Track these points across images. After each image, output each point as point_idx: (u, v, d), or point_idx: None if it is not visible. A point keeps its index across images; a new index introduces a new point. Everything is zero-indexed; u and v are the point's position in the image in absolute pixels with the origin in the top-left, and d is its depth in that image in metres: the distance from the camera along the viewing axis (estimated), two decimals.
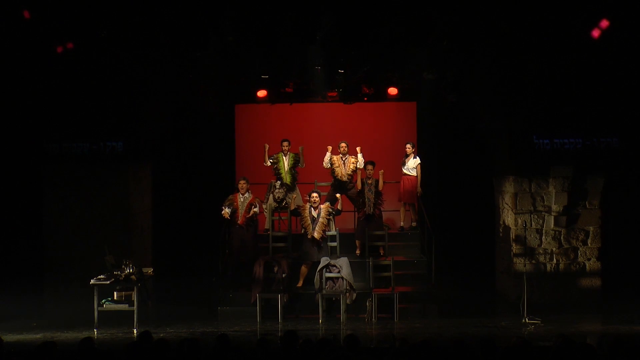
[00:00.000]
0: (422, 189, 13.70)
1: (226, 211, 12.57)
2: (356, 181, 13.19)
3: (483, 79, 13.26)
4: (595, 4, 12.14)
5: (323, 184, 14.01)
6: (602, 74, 12.83)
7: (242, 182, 12.80)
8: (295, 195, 13.37)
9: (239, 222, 12.63)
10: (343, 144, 13.49)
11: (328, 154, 13.48)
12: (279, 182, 13.52)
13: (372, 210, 12.95)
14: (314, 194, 12.52)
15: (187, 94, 13.76)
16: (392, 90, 14.16)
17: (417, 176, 13.63)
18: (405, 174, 13.70)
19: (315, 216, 12.42)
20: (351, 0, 12.05)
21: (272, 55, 12.88)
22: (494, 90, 13.37)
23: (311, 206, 12.48)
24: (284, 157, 13.52)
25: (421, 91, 13.93)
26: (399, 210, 14.01)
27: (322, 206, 12.54)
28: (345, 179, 13.40)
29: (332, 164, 13.48)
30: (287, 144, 13.57)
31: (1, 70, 12.75)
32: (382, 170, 13.06)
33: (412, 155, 13.72)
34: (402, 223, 13.83)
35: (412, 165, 13.65)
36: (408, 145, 13.77)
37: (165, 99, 13.81)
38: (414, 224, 13.83)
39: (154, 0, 12.12)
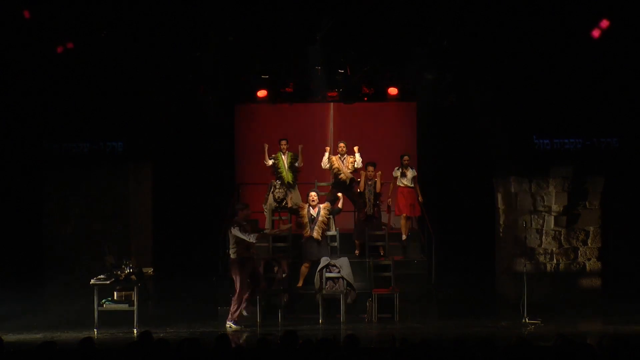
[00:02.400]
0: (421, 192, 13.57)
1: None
2: (359, 180, 13.14)
3: (483, 79, 13.25)
4: (595, 4, 12.15)
5: (323, 184, 14.00)
6: (602, 74, 12.83)
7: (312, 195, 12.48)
8: (293, 193, 13.37)
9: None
10: (342, 144, 13.43)
11: (326, 155, 13.43)
12: (278, 181, 13.51)
13: (372, 211, 12.93)
14: (312, 193, 12.50)
15: (187, 94, 13.75)
16: (392, 90, 14.15)
17: (414, 187, 13.28)
18: (406, 186, 13.23)
19: (314, 215, 12.41)
20: (351, 0, 12.05)
21: (272, 55, 12.88)
22: (494, 90, 13.37)
23: (310, 205, 12.48)
24: (282, 156, 13.52)
25: (421, 91, 13.93)
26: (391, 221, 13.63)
27: (321, 205, 12.53)
28: (347, 180, 13.30)
29: (331, 165, 13.42)
30: (285, 143, 13.54)
31: (1, 70, 12.75)
32: (380, 172, 13.00)
33: (409, 167, 13.32)
34: (404, 236, 13.30)
35: (410, 176, 13.25)
36: (406, 157, 13.29)
37: (165, 99, 13.81)
38: (404, 237, 13.31)
39: (154, 0, 12.12)
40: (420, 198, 13.29)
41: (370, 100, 14.59)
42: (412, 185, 13.28)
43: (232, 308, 11.52)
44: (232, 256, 11.51)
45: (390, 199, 13.42)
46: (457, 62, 12.81)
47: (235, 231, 11.36)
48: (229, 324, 11.44)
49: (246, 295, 11.54)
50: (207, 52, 12.54)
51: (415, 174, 13.33)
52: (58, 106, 13.16)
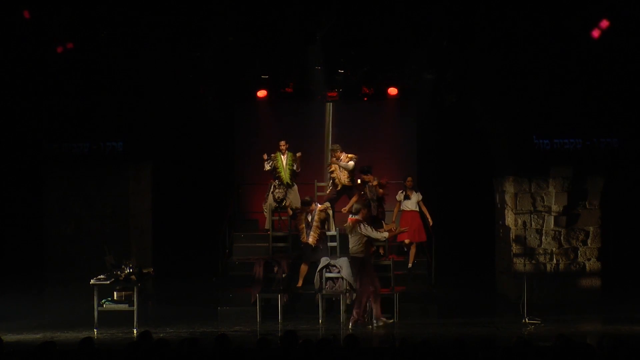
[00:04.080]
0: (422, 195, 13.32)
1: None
2: (358, 181, 13.11)
3: (483, 79, 13.25)
4: (595, 4, 12.15)
5: (323, 184, 14.01)
6: (602, 74, 12.83)
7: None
8: (292, 194, 13.37)
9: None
10: (334, 147, 13.41)
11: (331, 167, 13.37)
12: (277, 181, 13.51)
13: (376, 212, 12.89)
14: (312, 205, 12.47)
15: (187, 94, 13.76)
16: (392, 90, 14.16)
17: (418, 211, 13.00)
18: (410, 210, 12.93)
19: (310, 220, 12.43)
20: (351, 0, 12.05)
21: (272, 55, 12.88)
22: (493, 90, 13.37)
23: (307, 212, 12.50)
24: (282, 157, 13.51)
25: (421, 91, 13.92)
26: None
27: (317, 209, 12.51)
28: (345, 182, 13.24)
29: (332, 177, 13.35)
30: (284, 144, 13.54)
31: (1, 70, 12.75)
32: (375, 178, 12.89)
33: (413, 189, 13.04)
34: (410, 264, 12.87)
35: (415, 200, 12.95)
36: (409, 179, 13.04)
37: (164, 99, 13.81)
38: (412, 263, 12.94)
39: (153, 0, 12.12)
40: (430, 221, 12.96)
41: (370, 100, 14.59)
42: (417, 209, 12.99)
43: (364, 307, 11.49)
44: (359, 255, 11.43)
45: (394, 224, 13.29)
46: (457, 62, 12.80)
47: (368, 230, 11.38)
48: (381, 321, 11.43)
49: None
50: (207, 52, 12.54)
51: (421, 197, 13.01)
52: (58, 106, 13.16)
